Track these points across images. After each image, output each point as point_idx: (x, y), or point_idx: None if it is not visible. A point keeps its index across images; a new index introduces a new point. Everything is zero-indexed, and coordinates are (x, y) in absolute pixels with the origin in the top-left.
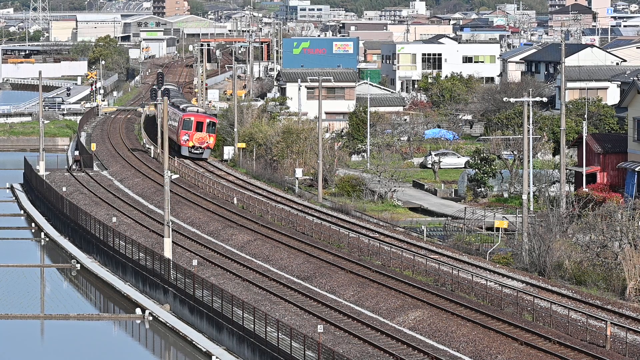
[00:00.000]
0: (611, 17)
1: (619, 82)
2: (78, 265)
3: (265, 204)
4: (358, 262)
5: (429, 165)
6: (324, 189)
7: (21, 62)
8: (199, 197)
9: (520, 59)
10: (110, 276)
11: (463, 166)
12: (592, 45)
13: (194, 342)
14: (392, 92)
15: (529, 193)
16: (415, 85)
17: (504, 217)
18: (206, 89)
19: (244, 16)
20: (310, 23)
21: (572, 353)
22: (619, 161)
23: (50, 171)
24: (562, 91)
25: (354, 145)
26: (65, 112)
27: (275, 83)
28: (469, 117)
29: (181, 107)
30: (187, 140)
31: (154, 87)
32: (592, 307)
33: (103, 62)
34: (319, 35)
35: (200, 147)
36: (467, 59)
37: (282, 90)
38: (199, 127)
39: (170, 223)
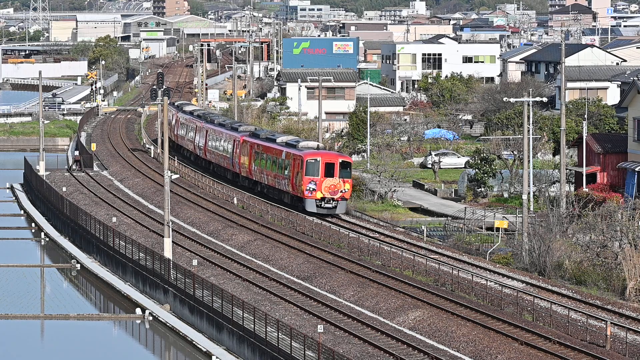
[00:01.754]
0: (611, 17)
1: (619, 82)
2: (78, 265)
3: (265, 204)
4: (358, 262)
5: (429, 165)
6: None
7: (21, 62)
8: (199, 197)
9: (520, 59)
10: (110, 276)
11: (463, 166)
12: (592, 45)
13: (194, 342)
14: (392, 92)
15: (529, 193)
16: (415, 85)
17: (504, 217)
18: (206, 89)
19: (244, 16)
20: (310, 23)
21: (572, 353)
22: (619, 161)
23: (50, 171)
24: (562, 91)
25: (354, 145)
26: (65, 112)
27: (275, 83)
28: (469, 117)
29: (280, 140)
30: (314, 190)
31: (154, 87)
32: (592, 307)
33: (103, 62)
34: (319, 35)
35: (333, 199)
36: (467, 59)
37: (282, 90)
38: (329, 170)
39: (170, 223)
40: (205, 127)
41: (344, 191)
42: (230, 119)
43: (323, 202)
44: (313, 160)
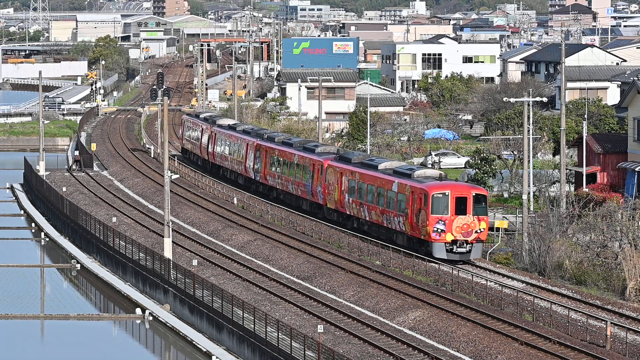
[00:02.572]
0: (611, 17)
1: (619, 82)
2: (78, 265)
3: (265, 204)
4: (358, 262)
5: (429, 165)
6: None
7: (21, 62)
8: (199, 197)
9: (520, 59)
10: (110, 276)
11: (463, 166)
12: (592, 45)
13: (194, 342)
14: (392, 92)
15: (529, 193)
16: (415, 85)
17: (504, 217)
18: (206, 89)
19: (244, 16)
20: (310, 23)
21: (572, 353)
22: (619, 161)
23: (50, 171)
24: (562, 91)
25: (354, 146)
26: (65, 112)
27: (275, 83)
28: (469, 117)
29: (383, 166)
30: (443, 231)
31: (154, 87)
32: (592, 307)
33: (103, 62)
34: (319, 35)
35: (466, 242)
36: (467, 59)
37: (282, 90)
38: (461, 206)
39: (170, 223)
40: (264, 147)
41: (479, 231)
42: (298, 136)
43: (455, 246)
44: (440, 195)
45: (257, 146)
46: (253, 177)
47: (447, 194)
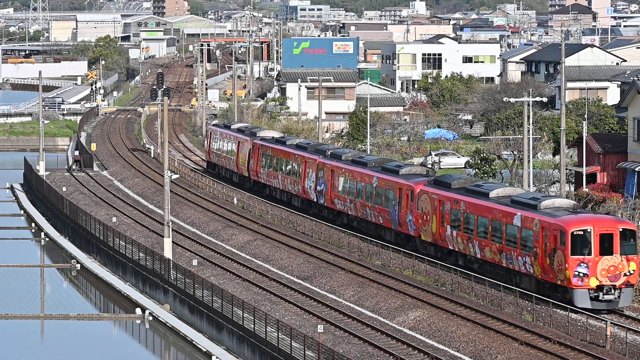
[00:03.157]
0: (611, 17)
1: (619, 82)
2: (78, 265)
3: (265, 204)
4: (358, 262)
5: (429, 165)
6: None
7: (21, 62)
8: (199, 197)
9: (520, 59)
10: (110, 276)
11: (463, 166)
12: (592, 45)
13: (194, 342)
14: (392, 92)
15: None
16: (415, 85)
17: None
18: (206, 89)
19: (244, 16)
20: (310, 23)
21: (572, 353)
22: (619, 161)
23: (50, 171)
24: (562, 91)
25: (354, 146)
26: (65, 112)
27: (275, 83)
28: (469, 117)
29: (496, 194)
30: (585, 275)
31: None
32: None
33: (103, 62)
34: (319, 35)
35: (614, 287)
36: (467, 59)
37: (282, 90)
38: (606, 245)
39: (170, 223)
40: (329, 166)
41: (628, 274)
42: (367, 153)
43: (601, 293)
44: (581, 232)
45: (320, 165)
46: (315, 200)
47: (589, 230)
